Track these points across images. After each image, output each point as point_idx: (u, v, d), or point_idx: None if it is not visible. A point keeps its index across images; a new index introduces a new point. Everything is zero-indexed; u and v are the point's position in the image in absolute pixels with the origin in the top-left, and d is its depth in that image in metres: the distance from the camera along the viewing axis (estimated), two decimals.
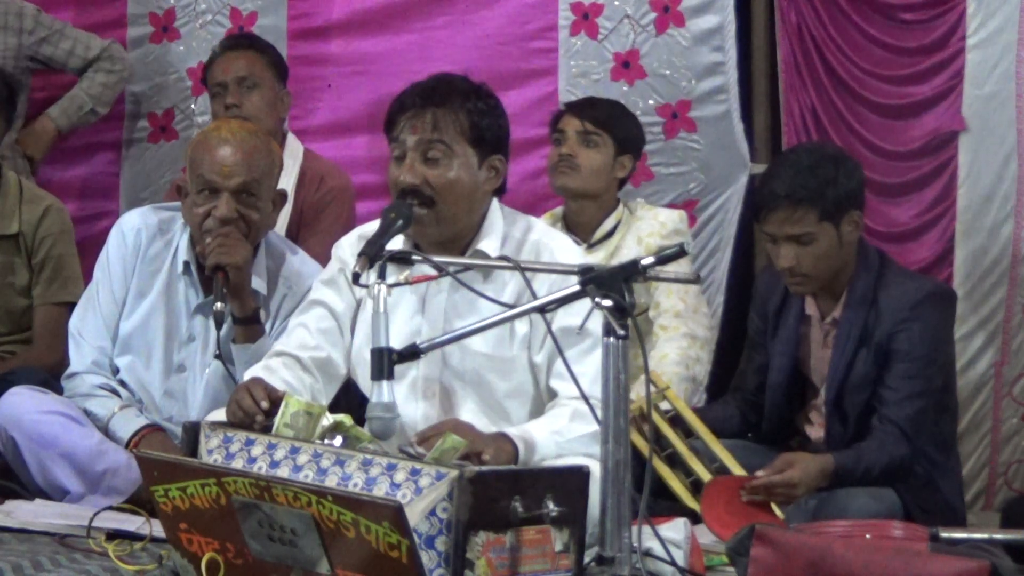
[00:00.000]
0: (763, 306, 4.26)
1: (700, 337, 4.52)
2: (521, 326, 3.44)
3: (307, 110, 5.42)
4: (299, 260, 4.17)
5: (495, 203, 3.56)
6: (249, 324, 3.96)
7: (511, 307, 3.17)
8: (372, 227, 3.51)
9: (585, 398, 3.01)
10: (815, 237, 3.96)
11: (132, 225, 4.15)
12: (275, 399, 3.20)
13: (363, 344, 3.49)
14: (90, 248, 4.80)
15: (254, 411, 3.19)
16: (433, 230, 3.45)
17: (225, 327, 3.91)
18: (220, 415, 3.44)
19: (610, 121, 4.69)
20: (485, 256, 3.46)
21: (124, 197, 5.64)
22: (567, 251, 3.52)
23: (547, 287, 3.27)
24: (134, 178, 5.66)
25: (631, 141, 4.73)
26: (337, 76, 5.48)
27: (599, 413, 2.81)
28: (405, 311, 3.51)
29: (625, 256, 4.52)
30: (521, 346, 3.46)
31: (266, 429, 3.12)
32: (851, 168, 4.05)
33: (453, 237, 3.49)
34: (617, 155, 4.67)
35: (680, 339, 4.47)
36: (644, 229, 4.62)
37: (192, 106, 5.61)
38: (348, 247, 3.62)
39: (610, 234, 4.62)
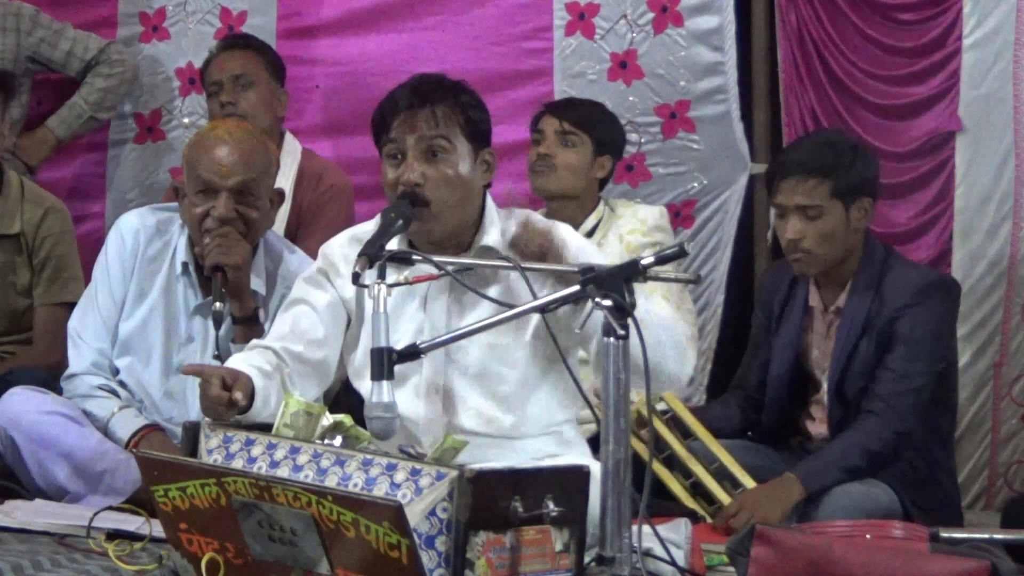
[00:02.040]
0: (768, 302, 4.27)
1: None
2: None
3: (296, 110, 5.40)
4: (297, 259, 4.17)
5: (489, 197, 3.58)
6: (248, 324, 3.96)
7: (511, 306, 3.17)
8: (363, 229, 3.53)
9: (586, 400, 3.03)
10: (823, 212, 3.98)
11: (130, 226, 4.15)
12: (242, 388, 3.25)
13: (365, 347, 3.50)
14: (78, 249, 4.80)
15: (226, 400, 3.21)
16: (430, 227, 3.45)
17: (224, 327, 3.91)
18: None
19: (589, 121, 4.68)
20: (491, 251, 3.47)
21: (110, 198, 5.63)
22: (562, 229, 3.53)
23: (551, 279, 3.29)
24: (120, 179, 5.64)
25: (611, 142, 4.72)
26: (326, 76, 5.48)
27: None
28: (408, 310, 3.51)
29: (606, 255, 4.53)
30: (534, 335, 3.46)
31: (266, 429, 3.12)
32: (870, 158, 4.09)
33: (451, 234, 3.49)
34: (596, 155, 4.67)
35: None
36: (625, 227, 4.62)
37: (180, 107, 5.60)
38: (337, 248, 3.63)
39: (591, 233, 4.61)
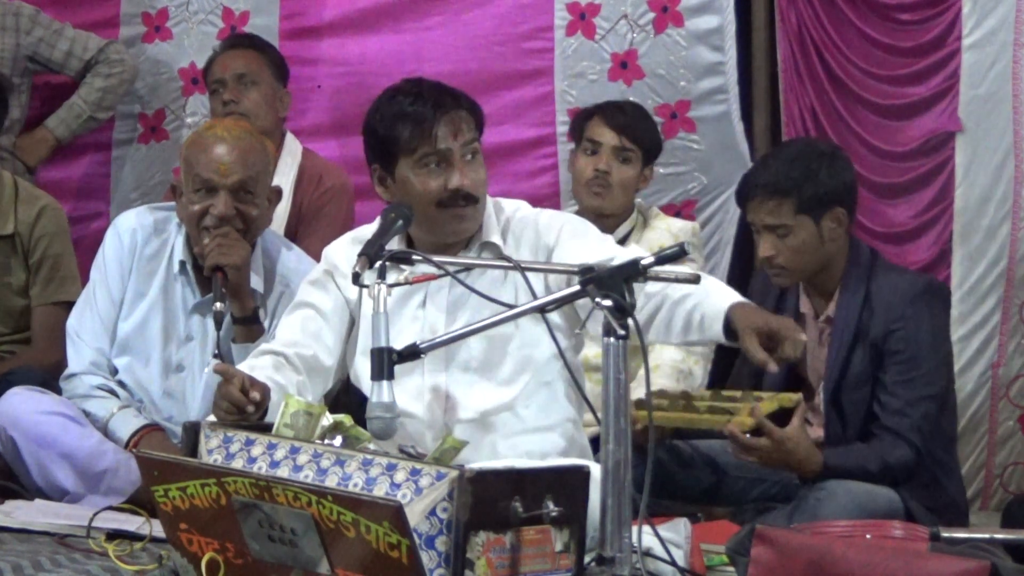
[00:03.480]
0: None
1: (696, 352, 4.50)
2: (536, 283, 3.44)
3: (298, 110, 5.41)
4: (295, 258, 4.18)
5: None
6: (249, 324, 3.97)
7: (511, 306, 3.18)
8: (365, 231, 3.57)
9: (587, 401, 3.03)
10: (791, 230, 3.94)
11: (128, 225, 4.16)
12: (260, 394, 3.27)
13: (364, 347, 3.51)
14: (81, 248, 4.81)
15: (243, 402, 3.23)
16: (471, 226, 3.54)
17: (224, 327, 3.91)
18: None
19: (643, 134, 4.63)
20: (495, 248, 3.51)
21: (114, 198, 5.64)
22: (553, 216, 3.61)
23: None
24: (124, 179, 5.65)
25: (656, 151, 4.71)
26: (328, 76, 5.49)
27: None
28: (409, 308, 3.53)
29: None
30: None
31: (266, 429, 3.12)
32: (839, 166, 4.01)
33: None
34: (643, 167, 4.64)
35: (675, 351, 4.46)
36: (655, 239, 4.56)
37: (183, 107, 5.61)
38: (340, 250, 3.65)
39: (623, 241, 4.58)
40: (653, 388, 4.22)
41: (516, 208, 3.64)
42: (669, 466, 4.08)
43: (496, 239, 3.54)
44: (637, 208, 4.69)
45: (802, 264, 3.98)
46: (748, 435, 3.76)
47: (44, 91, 5.52)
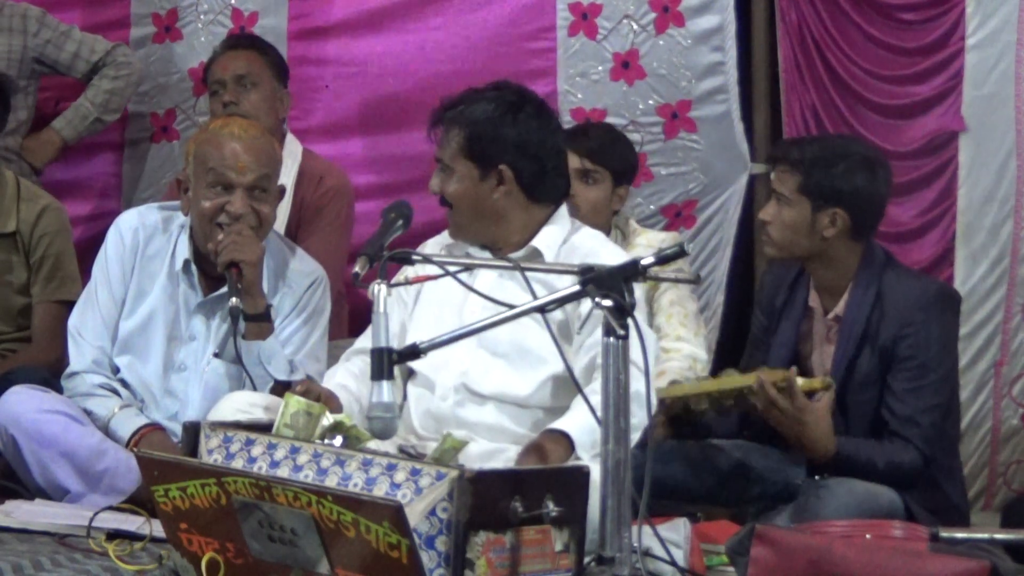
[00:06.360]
0: (769, 302, 4.24)
1: (701, 360, 4.51)
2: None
3: (306, 110, 5.43)
4: (297, 258, 4.19)
5: (563, 210, 3.76)
6: (260, 321, 3.97)
7: (511, 306, 3.18)
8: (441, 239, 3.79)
9: (585, 397, 3.04)
10: (789, 203, 3.99)
11: (129, 224, 4.16)
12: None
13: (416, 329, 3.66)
14: (92, 248, 4.80)
15: None
16: (454, 232, 3.72)
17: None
18: (220, 414, 3.45)
19: (608, 154, 4.60)
20: (539, 254, 3.64)
21: (126, 197, 5.64)
22: (615, 253, 3.71)
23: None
24: (136, 178, 5.66)
25: (628, 171, 4.67)
26: (336, 77, 5.49)
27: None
28: (454, 296, 3.60)
29: None
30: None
31: (266, 429, 3.12)
32: (861, 173, 3.99)
33: (485, 239, 3.69)
34: (614, 188, 4.62)
35: (682, 360, 4.46)
36: (640, 255, 4.54)
37: (194, 106, 5.61)
38: (430, 248, 3.80)
39: None
40: (666, 383, 4.25)
41: (592, 235, 3.77)
42: (693, 458, 4.07)
43: (542, 247, 3.65)
44: (614, 225, 4.67)
45: (786, 242, 4.02)
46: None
47: (51, 93, 5.52)
